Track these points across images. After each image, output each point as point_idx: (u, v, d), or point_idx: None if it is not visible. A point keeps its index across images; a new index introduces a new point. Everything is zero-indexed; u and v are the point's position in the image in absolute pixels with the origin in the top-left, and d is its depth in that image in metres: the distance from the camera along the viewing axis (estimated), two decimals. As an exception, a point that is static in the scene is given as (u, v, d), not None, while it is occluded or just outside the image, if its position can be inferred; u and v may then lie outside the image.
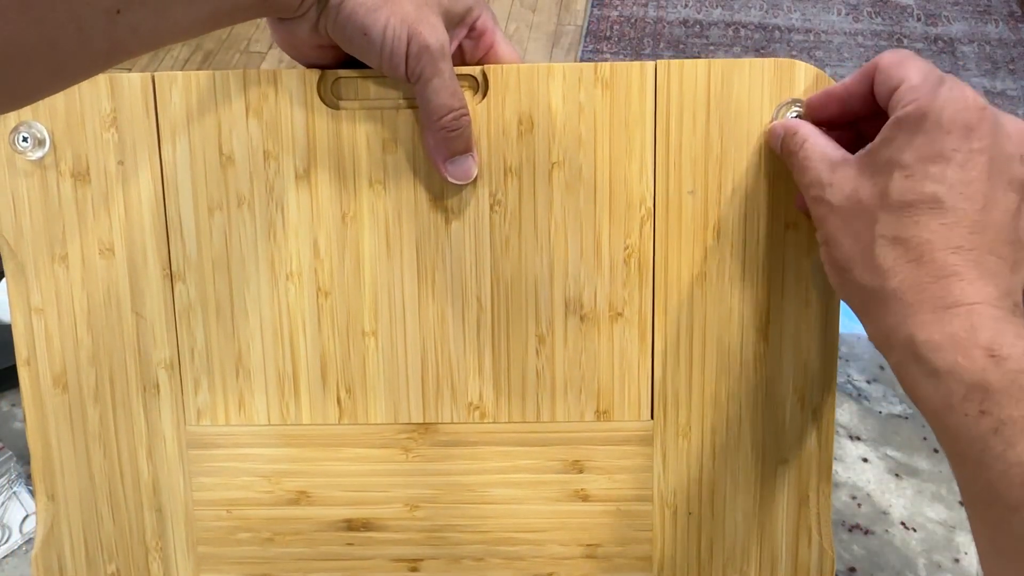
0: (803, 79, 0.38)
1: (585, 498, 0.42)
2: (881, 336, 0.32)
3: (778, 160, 0.39)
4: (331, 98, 0.39)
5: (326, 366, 0.41)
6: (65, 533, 0.43)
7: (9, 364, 0.58)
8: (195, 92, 0.39)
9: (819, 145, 0.35)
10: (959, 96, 0.32)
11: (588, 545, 0.42)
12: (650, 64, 0.38)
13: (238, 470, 0.42)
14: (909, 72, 0.33)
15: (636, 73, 0.38)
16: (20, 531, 0.50)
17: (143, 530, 0.43)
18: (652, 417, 0.41)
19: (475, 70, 0.39)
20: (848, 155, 0.34)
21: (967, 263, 0.30)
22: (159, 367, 0.41)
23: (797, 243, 0.39)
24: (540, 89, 0.38)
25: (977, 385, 0.28)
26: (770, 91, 0.38)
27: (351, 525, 0.42)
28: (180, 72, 0.39)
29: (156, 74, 0.39)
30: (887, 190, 0.32)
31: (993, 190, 0.31)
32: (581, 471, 0.41)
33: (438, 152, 0.38)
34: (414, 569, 0.43)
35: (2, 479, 0.50)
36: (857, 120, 0.36)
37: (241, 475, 0.42)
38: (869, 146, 0.33)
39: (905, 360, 0.31)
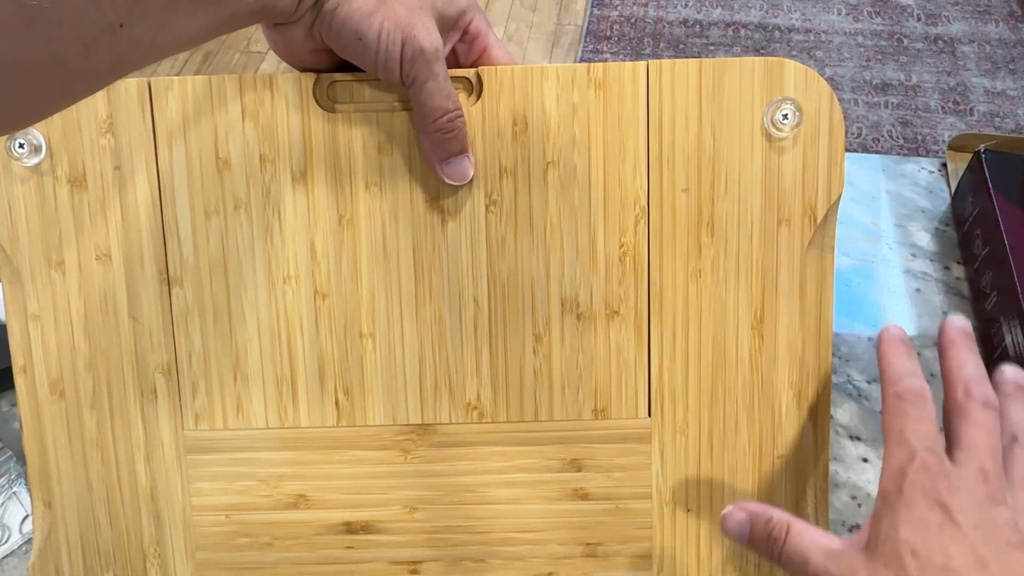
0: (792, 77, 0.39)
1: (584, 496, 0.42)
2: None
3: (770, 157, 0.39)
4: (327, 102, 0.39)
5: (324, 368, 0.41)
6: (62, 540, 0.43)
7: (8, 365, 0.57)
8: (191, 97, 0.39)
9: (810, 534, 0.35)
10: (924, 479, 0.33)
11: (588, 544, 0.42)
12: (642, 64, 0.39)
13: (236, 474, 0.42)
14: (889, 443, 0.34)
15: (628, 73, 0.39)
16: (20, 531, 0.49)
17: (141, 536, 0.42)
18: (649, 414, 0.41)
19: (469, 72, 0.39)
20: (843, 540, 0.34)
21: None
22: (156, 372, 0.41)
23: (790, 239, 0.40)
24: (534, 90, 0.39)
25: None
26: (761, 90, 0.39)
27: (350, 528, 0.42)
28: (176, 77, 0.39)
29: (152, 79, 0.39)
30: (904, 570, 0.32)
31: (996, 554, 0.31)
32: (580, 469, 0.42)
33: (434, 154, 0.38)
34: (414, 572, 0.42)
35: (2, 479, 0.50)
36: None
37: (239, 479, 0.42)
38: (865, 526, 0.34)
39: None
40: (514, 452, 0.41)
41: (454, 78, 0.38)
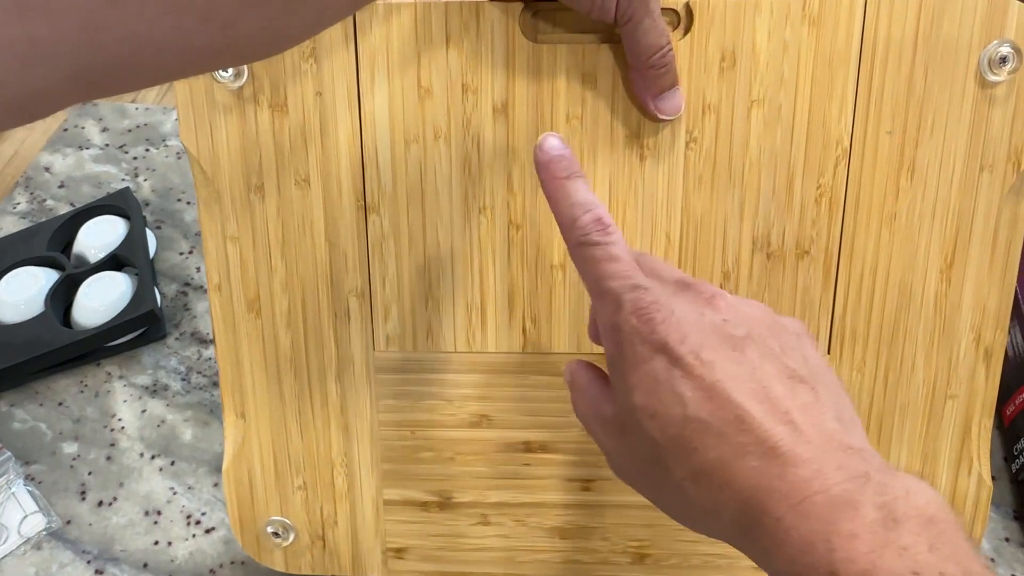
0: (1016, 18, 0.37)
1: None
2: None
3: (980, 102, 0.38)
4: (531, 31, 0.39)
5: (513, 297, 0.42)
6: (255, 448, 0.45)
7: (8, 364, 0.57)
8: (395, 24, 0.39)
9: (588, 398, 0.33)
10: (637, 324, 0.30)
11: None
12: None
13: (423, 394, 0.44)
14: (593, 299, 0.32)
15: (845, 8, 0.38)
16: (18, 532, 0.50)
17: (330, 447, 0.45)
18: (828, 352, 0.42)
19: (679, 4, 0.38)
20: (613, 409, 0.32)
21: (763, 459, 0.27)
22: (350, 295, 0.42)
23: (991, 185, 0.40)
24: (745, 25, 0.38)
25: None
26: (981, 31, 0.38)
27: (529, 447, 0.44)
28: (381, 2, 0.39)
29: (356, 4, 0.39)
30: (650, 437, 0.29)
31: (724, 363, 0.29)
32: None
33: (646, 90, 0.38)
34: (586, 488, 0.45)
35: (1, 479, 0.50)
36: None
37: (426, 399, 0.44)
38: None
39: None
40: None
41: (662, 10, 0.37)
